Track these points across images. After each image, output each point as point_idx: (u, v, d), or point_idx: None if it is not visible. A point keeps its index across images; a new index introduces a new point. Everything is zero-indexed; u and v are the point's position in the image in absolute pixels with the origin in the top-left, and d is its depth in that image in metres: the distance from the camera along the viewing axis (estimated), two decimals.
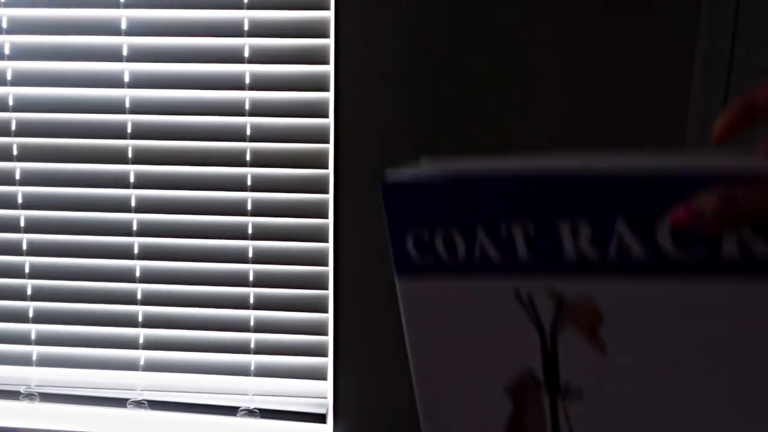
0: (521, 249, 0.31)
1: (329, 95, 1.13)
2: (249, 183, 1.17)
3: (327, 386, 1.24)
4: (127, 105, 1.16)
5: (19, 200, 1.21)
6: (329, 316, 1.21)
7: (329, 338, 1.21)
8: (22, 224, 1.21)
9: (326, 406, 1.24)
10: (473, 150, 1.13)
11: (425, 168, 0.31)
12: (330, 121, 1.14)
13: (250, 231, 1.19)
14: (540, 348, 0.33)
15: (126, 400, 1.26)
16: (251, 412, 1.24)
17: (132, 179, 1.18)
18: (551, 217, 0.30)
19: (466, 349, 0.34)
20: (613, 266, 0.30)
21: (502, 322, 0.33)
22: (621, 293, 0.31)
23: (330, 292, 1.19)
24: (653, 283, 0.30)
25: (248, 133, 1.15)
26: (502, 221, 0.31)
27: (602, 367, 0.32)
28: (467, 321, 0.33)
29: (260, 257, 1.19)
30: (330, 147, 1.15)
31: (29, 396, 1.27)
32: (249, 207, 1.18)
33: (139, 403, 1.26)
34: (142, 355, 1.25)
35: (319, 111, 1.14)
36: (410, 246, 0.32)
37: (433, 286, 0.33)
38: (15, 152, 1.19)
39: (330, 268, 1.19)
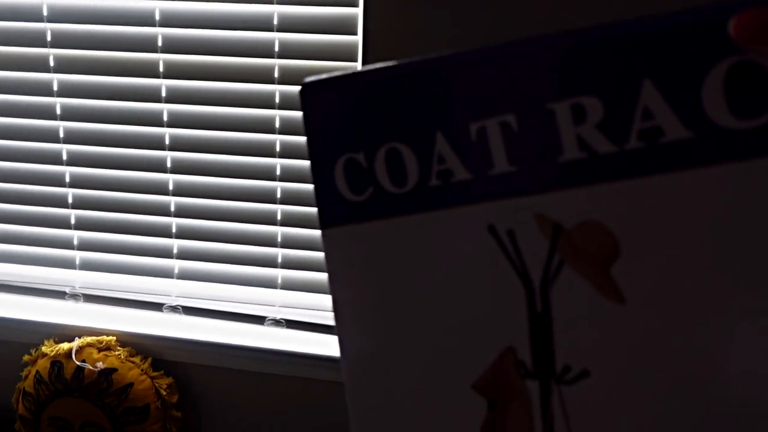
0: (498, 157, 0.21)
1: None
2: (277, 100, 1.17)
3: None
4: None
5: (58, 111, 1.24)
6: None
7: None
8: (61, 134, 1.26)
9: None
10: None
11: (364, 68, 0.23)
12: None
13: (277, 149, 1.20)
14: (527, 312, 0.22)
15: (162, 304, 1.34)
16: (278, 322, 1.32)
17: (164, 93, 1.20)
18: (541, 100, 0.20)
19: (416, 324, 0.23)
20: (638, 161, 0.20)
21: (470, 276, 0.22)
22: (650, 202, 0.20)
23: None
24: (704, 178, 0.19)
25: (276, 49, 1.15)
26: (471, 120, 0.21)
27: (619, 327, 0.21)
28: (419, 278, 0.23)
29: (287, 176, 1.22)
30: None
31: (74, 296, 1.36)
32: (277, 125, 1.19)
33: (173, 308, 1.34)
34: (176, 264, 1.32)
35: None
36: (340, 180, 0.23)
37: (371, 231, 0.23)
38: (52, 63, 1.22)
39: None
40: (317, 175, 0.23)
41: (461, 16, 1.09)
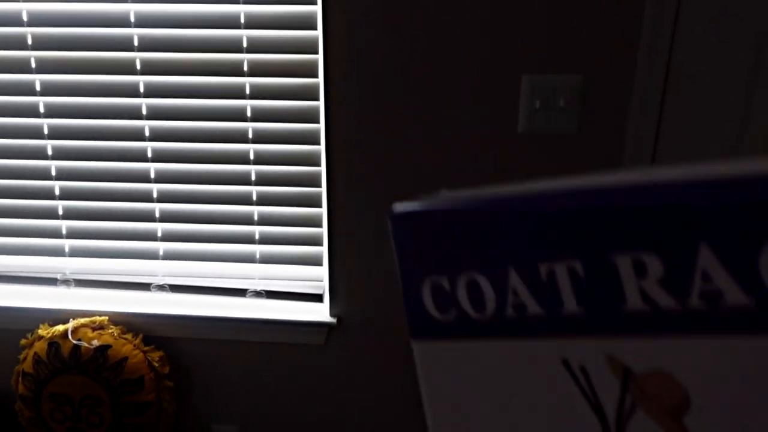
0: (568, 298, 0.22)
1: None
2: (248, 92, 1.29)
3: (323, 271, 1.42)
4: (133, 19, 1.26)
5: (41, 109, 1.34)
6: (323, 210, 1.37)
7: (324, 229, 1.38)
8: (46, 131, 1.35)
9: (323, 287, 1.44)
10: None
11: (443, 197, 0.24)
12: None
13: (250, 135, 1.32)
14: None
15: (149, 284, 1.45)
16: (258, 294, 1.44)
17: (142, 89, 1.31)
18: (605, 251, 0.22)
19: None
20: (701, 319, 0.20)
21: (548, 405, 0.24)
22: (716, 359, 0.20)
23: (323, 189, 1.35)
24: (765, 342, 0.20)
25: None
26: (540, 260, 0.23)
27: None
28: (498, 400, 0.24)
29: (260, 159, 1.34)
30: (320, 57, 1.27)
31: (65, 282, 1.46)
32: (248, 113, 1.31)
33: (160, 287, 1.45)
34: (161, 246, 1.43)
35: None
36: (427, 298, 0.25)
37: (455, 349, 0.25)
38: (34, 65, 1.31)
39: (323, 168, 1.33)
40: (406, 292, 0.25)
41: (418, 10, 1.22)
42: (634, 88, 1.22)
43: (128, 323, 1.45)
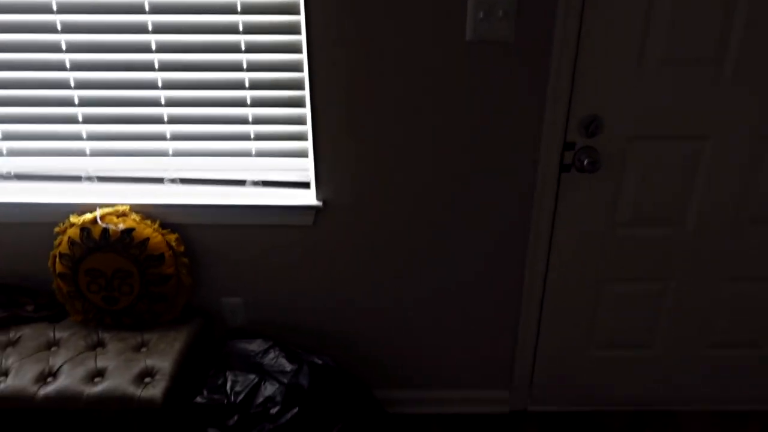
0: None
1: None
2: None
3: (309, 162, 1.71)
4: None
5: (59, 27, 1.55)
6: (307, 110, 1.64)
7: (308, 127, 1.66)
8: (64, 47, 1.57)
9: (309, 176, 1.73)
10: None
11: None
12: None
13: (242, 47, 1.57)
14: None
15: (162, 179, 1.72)
16: (255, 183, 1.72)
17: (147, 7, 1.53)
18: None
19: None
20: None
21: None
22: None
23: (306, 92, 1.61)
24: None
25: None
26: None
27: None
28: None
29: (252, 67, 1.59)
30: None
31: (89, 179, 1.71)
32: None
33: (172, 181, 1.72)
34: (170, 145, 1.69)
35: None
36: None
37: None
38: None
39: (305, 74, 1.59)
40: None
41: None
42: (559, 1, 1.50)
43: (146, 212, 1.72)
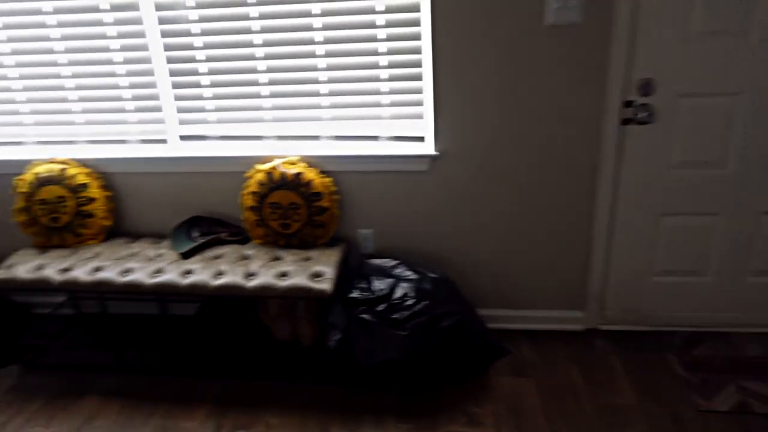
0: None
1: None
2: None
3: (426, 123, 2.29)
4: None
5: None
6: (429, 83, 2.21)
7: (430, 96, 2.23)
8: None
9: (425, 132, 2.30)
10: None
11: None
12: None
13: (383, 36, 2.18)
14: None
15: (318, 136, 2.35)
16: (388, 138, 2.33)
17: None
18: None
19: None
20: None
21: None
22: None
23: (429, 68, 2.19)
24: None
25: None
26: None
27: None
28: None
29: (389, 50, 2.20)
30: None
31: (269, 138, 2.38)
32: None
33: (327, 138, 2.35)
34: (322, 113, 2.32)
35: None
36: None
37: None
38: None
39: (429, 45, 2.17)
40: None
41: None
42: None
43: (309, 162, 2.36)
